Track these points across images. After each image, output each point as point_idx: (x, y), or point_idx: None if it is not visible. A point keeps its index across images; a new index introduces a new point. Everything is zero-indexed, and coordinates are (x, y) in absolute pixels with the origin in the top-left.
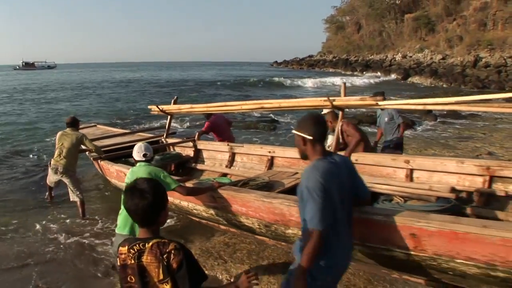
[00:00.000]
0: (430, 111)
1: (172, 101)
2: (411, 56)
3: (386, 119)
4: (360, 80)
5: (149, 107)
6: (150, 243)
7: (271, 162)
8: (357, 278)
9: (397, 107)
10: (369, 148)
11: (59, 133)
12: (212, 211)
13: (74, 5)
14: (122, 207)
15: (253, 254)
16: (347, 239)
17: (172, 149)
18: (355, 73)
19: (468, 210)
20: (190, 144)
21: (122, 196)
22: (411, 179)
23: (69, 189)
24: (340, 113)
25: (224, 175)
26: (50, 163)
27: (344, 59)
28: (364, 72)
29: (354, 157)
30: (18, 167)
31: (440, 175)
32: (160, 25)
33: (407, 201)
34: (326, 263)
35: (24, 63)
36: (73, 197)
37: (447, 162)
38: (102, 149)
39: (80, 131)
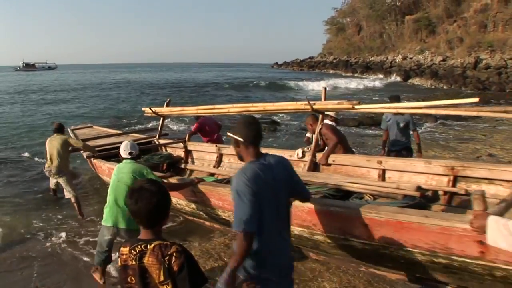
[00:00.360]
0: None
1: (165, 104)
2: (411, 58)
3: (401, 124)
4: (370, 83)
5: (142, 109)
6: (152, 245)
7: None
8: (357, 280)
9: (372, 111)
10: (348, 150)
11: (47, 140)
12: (193, 205)
13: (75, 6)
14: (108, 200)
15: None
16: (282, 238)
17: (164, 150)
18: (356, 74)
19: (433, 208)
20: (181, 145)
21: (110, 191)
22: (383, 179)
23: (64, 188)
24: (320, 116)
25: (212, 175)
26: (44, 169)
27: (344, 61)
28: (364, 74)
29: (332, 158)
30: (18, 168)
31: (410, 175)
32: (160, 27)
33: (376, 199)
34: (262, 262)
35: (24, 64)
36: (67, 194)
37: (416, 163)
38: (96, 149)
39: (77, 131)
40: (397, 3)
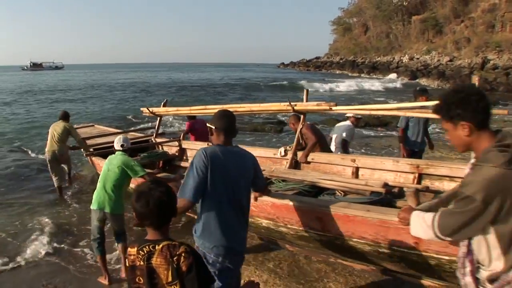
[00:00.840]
0: None
1: (162, 104)
2: (418, 58)
3: (422, 123)
4: (391, 84)
5: (141, 109)
6: (160, 245)
7: None
8: (363, 280)
9: (346, 112)
10: (326, 149)
11: (52, 125)
12: None
13: (81, 6)
14: (98, 186)
15: (259, 255)
16: (237, 225)
17: (160, 148)
18: (362, 75)
19: (398, 203)
20: (176, 143)
21: (100, 178)
22: (357, 176)
23: (66, 168)
24: (302, 117)
25: None
26: (46, 154)
27: (351, 61)
28: (371, 74)
29: (311, 157)
30: (24, 166)
31: (380, 172)
32: (166, 27)
33: (347, 195)
34: (215, 243)
35: (32, 64)
36: (66, 175)
37: (385, 161)
38: (96, 147)
39: (79, 130)
40: (404, 3)
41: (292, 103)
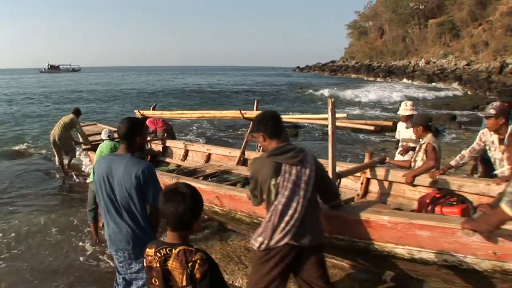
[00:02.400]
0: (454, 118)
1: (151, 108)
2: (434, 62)
3: None
4: (442, 93)
5: (134, 111)
6: (177, 249)
7: (208, 157)
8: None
9: (289, 120)
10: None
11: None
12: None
13: (98, 10)
14: (93, 166)
15: None
16: (119, 225)
17: (148, 145)
18: (378, 79)
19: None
20: (160, 142)
21: (95, 161)
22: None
23: (63, 154)
24: (251, 123)
25: (179, 166)
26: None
27: (366, 65)
28: (387, 78)
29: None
30: (42, 169)
31: None
32: (184, 30)
33: None
34: (106, 235)
35: (49, 66)
36: (66, 160)
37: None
38: (95, 143)
39: (83, 128)
40: (420, 7)
41: (242, 111)
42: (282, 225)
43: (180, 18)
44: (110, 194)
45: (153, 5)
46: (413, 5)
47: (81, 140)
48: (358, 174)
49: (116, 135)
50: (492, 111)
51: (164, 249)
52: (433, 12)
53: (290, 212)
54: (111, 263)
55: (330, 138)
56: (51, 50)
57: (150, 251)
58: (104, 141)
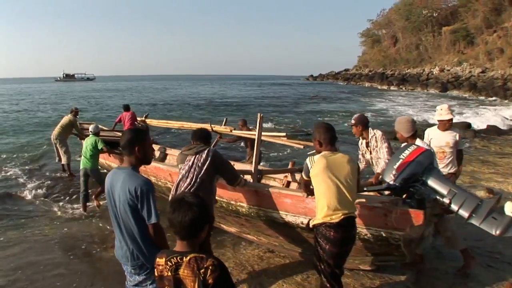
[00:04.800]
0: (469, 126)
1: (144, 116)
2: (449, 70)
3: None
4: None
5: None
6: (188, 257)
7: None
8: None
9: (225, 132)
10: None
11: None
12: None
13: (111, 20)
14: (82, 155)
15: (287, 268)
16: (120, 241)
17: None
18: (391, 87)
19: None
20: None
21: (82, 151)
22: None
23: (61, 154)
24: (218, 136)
25: None
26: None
27: (380, 73)
28: (400, 86)
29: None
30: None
31: None
32: (195, 39)
33: None
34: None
35: (65, 75)
36: (64, 160)
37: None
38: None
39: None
40: (434, 14)
41: (212, 125)
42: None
43: (185, 26)
44: (113, 209)
45: (164, 14)
46: (427, 13)
47: (76, 127)
48: (281, 177)
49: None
50: (353, 121)
51: (175, 258)
52: (447, 20)
53: (185, 185)
54: None
55: (256, 146)
56: (67, 60)
57: (160, 260)
58: (90, 136)
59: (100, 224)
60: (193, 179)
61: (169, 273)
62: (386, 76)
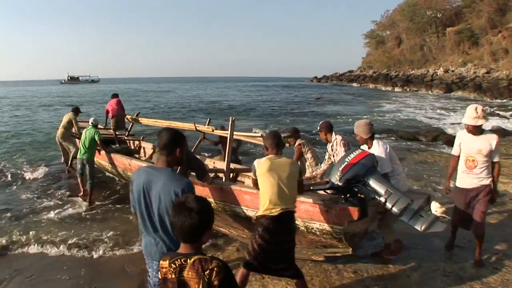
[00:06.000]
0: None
1: (135, 114)
2: (453, 71)
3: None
4: None
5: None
6: (192, 259)
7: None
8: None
9: (207, 132)
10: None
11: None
12: (113, 169)
13: (117, 23)
14: (80, 146)
15: None
16: (154, 238)
17: (129, 144)
18: (396, 88)
19: None
20: (137, 142)
21: (80, 142)
22: None
23: (70, 148)
24: (202, 135)
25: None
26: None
27: (384, 74)
28: (405, 87)
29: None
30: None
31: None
32: (200, 41)
33: None
34: (142, 244)
35: (69, 77)
36: (72, 151)
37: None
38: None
39: (81, 124)
40: (438, 15)
41: (196, 125)
42: None
43: (190, 28)
44: (148, 207)
45: (166, 18)
46: (431, 14)
47: (74, 126)
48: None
49: (100, 125)
50: (318, 127)
51: (178, 260)
52: (451, 20)
53: None
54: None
55: (228, 146)
56: (71, 62)
57: (164, 263)
58: (89, 127)
59: (100, 224)
60: None
61: (173, 276)
62: (391, 77)
